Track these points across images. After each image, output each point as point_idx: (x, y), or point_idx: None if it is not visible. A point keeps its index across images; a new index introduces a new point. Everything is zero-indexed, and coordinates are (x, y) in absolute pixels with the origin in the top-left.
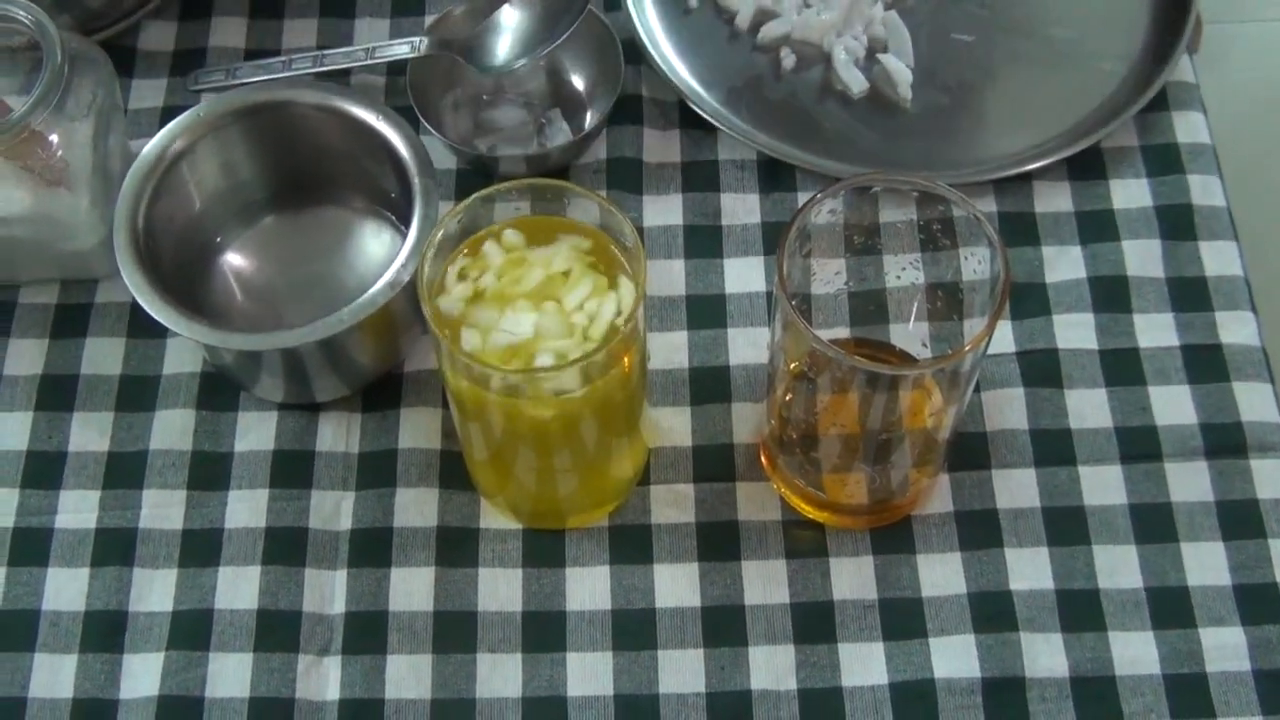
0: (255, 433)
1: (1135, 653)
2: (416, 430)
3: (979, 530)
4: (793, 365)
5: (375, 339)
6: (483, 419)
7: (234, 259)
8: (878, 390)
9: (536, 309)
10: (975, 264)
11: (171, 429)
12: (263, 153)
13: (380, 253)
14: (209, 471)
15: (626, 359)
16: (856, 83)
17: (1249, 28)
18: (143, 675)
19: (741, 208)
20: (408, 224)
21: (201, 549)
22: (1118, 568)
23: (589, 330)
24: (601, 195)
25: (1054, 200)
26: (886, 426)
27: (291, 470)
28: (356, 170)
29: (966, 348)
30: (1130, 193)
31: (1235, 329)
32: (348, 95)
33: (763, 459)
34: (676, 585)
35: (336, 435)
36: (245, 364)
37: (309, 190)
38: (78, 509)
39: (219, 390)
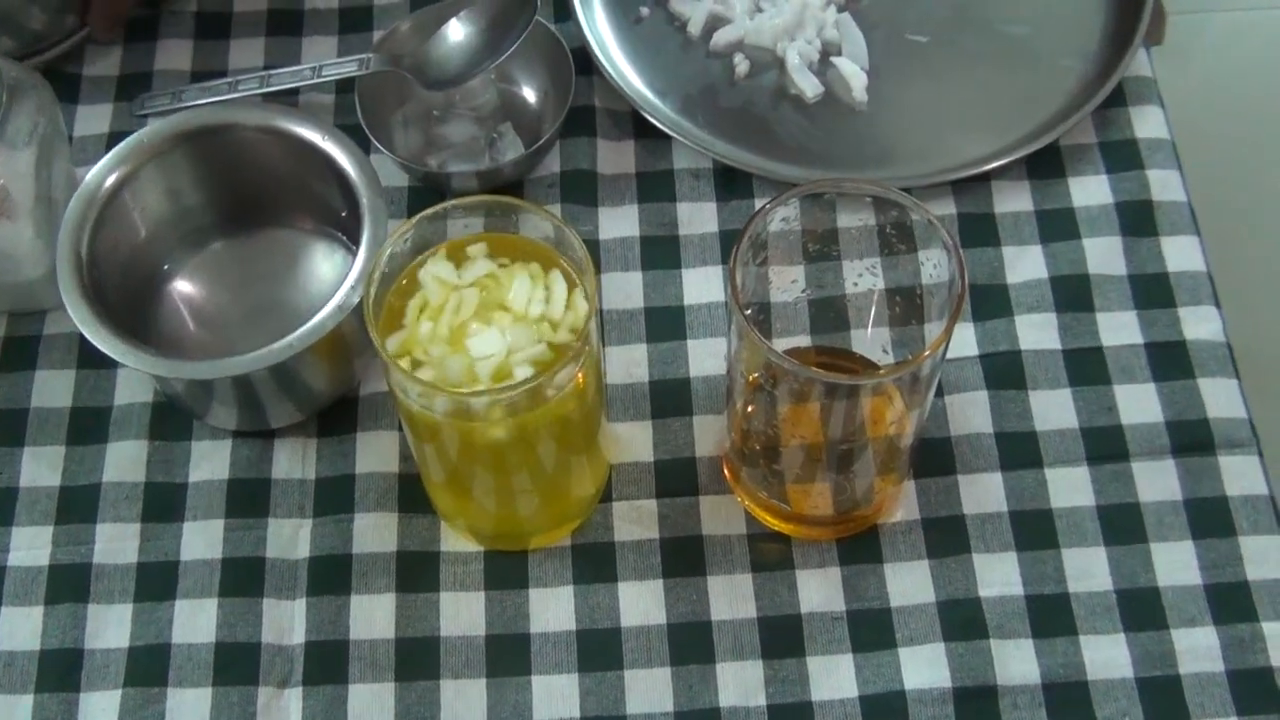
0: (209, 462)
1: (1107, 656)
2: (373, 454)
3: (946, 537)
4: (751, 376)
5: (327, 363)
6: (438, 442)
7: (183, 286)
8: (837, 399)
9: (493, 322)
10: (932, 267)
11: (124, 461)
12: (208, 177)
13: (332, 274)
14: (163, 503)
15: (582, 375)
16: (811, 87)
17: (1216, 18)
18: (100, 714)
19: (698, 217)
20: (357, 243)
21: (157, 582)
22: (1087, 571)
23: (551, 319)
24: (550, 211)
25: (1013, 200)
26: (848, 435)
27: (247, 499)
28: (304, 191)
29: (925, 353)
30: (1090, 190)
31: (1199, 325)
32: (292, 115)
33: (726, 472)
34: (642, 603)
35: (292, 462)
36: (197, 393)
37: (257, 213)
38: (30, 546)
39: (171, 420)
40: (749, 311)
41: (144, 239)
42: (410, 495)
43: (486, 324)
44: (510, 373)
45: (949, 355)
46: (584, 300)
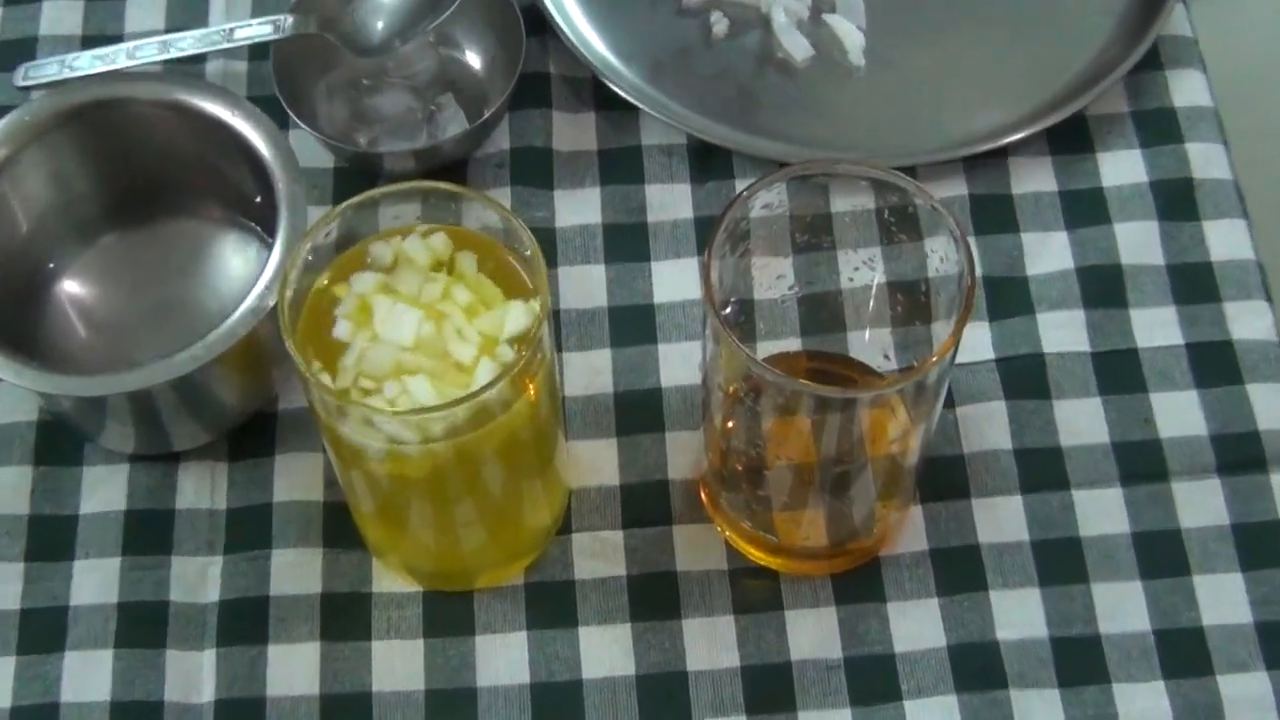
0: (103, 490)
1: (1144, 707)
2: (294, 480)
3: (958, 571)
4: (731, 388)
5: (240, 375)
6: (366, 467)
7: (72, 287)
8: (830, 413)
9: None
10: (939, 259)
11: (4, 490)
12: (99, 160)
13: (245, 271)
14: (50, 538)
15: (532, 387)
16: (800, 49)
17: None
18: None
19: (670, 201)
20: (274, 235)
21: (43, 631)
22: (1121, 608)
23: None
24: (496, 200)
25: (1034, 179)
26: (843, 454)
27: (147, 533)
28: (212, 175)
29: (932, 359)
30: (1121, 167)
31: (1248, 321)
32: (195, 87)
33: (703, 497)
34: (606, 651)
35: (199, 489)
36: (88, 411)
37: (157, 202)
38: None
39: (60, 442)
40: (727, 311)
41: (25, 233)
42: (337, 528)
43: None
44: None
45: (961, 360)
46: (528, 310)
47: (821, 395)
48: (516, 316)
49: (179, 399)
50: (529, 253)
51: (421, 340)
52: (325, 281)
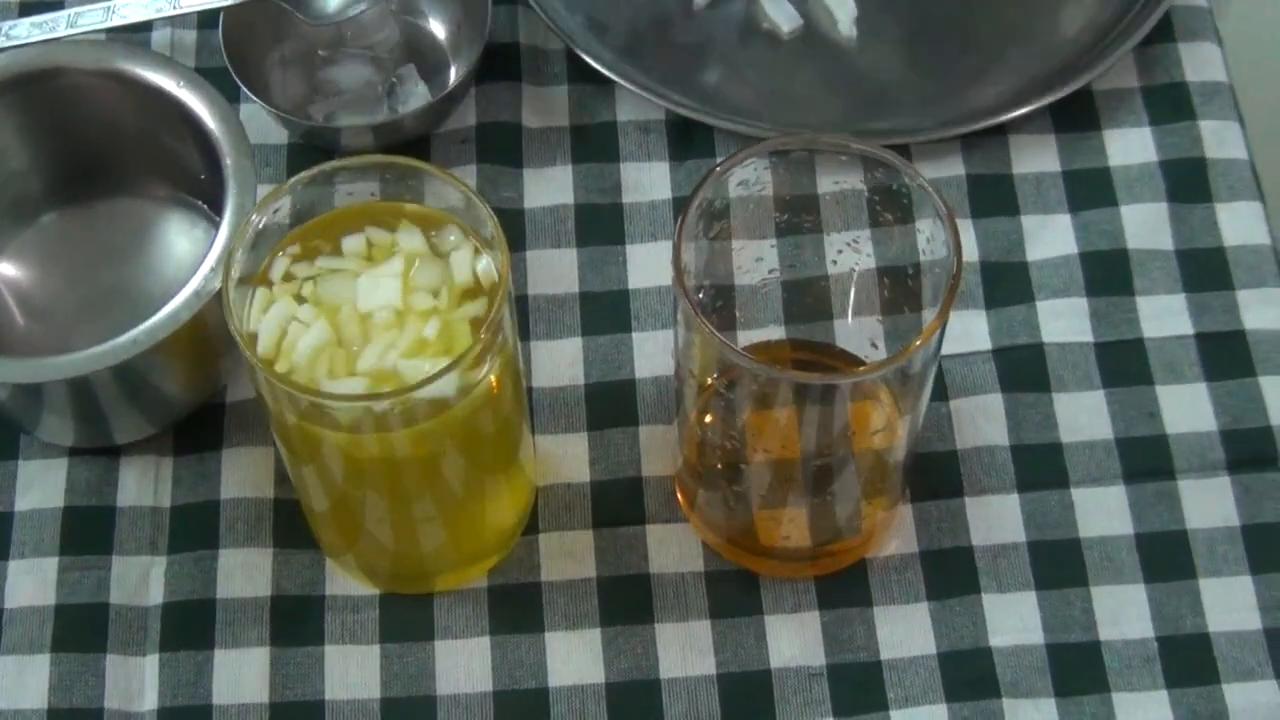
0: (40, 486)
1: (1146, 717)
2: (243, 475)
3: (950, 573)
4: (706, 378)
5: (184, 363)
6: (319, 462)
7: (7, 270)
8: (810, 403)
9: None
10: (926, 240)
11: None
12: (35, 135)
13: (192, 252)
14: None
15: (494, 378)
16: (787, 19)
17: None
18: None
19: (647, 180)
20: (222, 214)
21: None
22: (1122, 613)
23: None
24: (453, 175)
25: (1036, 158)
26: (825, 448)
27: (86, 531)
28: (155, 151)
29: (916, 343)
30: (1130, 145)
31: (1262, 311)
32: (137, 56)
33: (678, 495)
34: (574, 657)
35: (142, 485)
36: (23, 400)
37: (97, 179)
38: None
39: None
40: (702, 296)
41: None
42: (288, 526)
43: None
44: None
45: (956, 350)
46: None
47: (799, 383)
48: (461, 265)
49: (120, 388)
50: (489, 231)
51: (374, 320)
52: (277, 258)
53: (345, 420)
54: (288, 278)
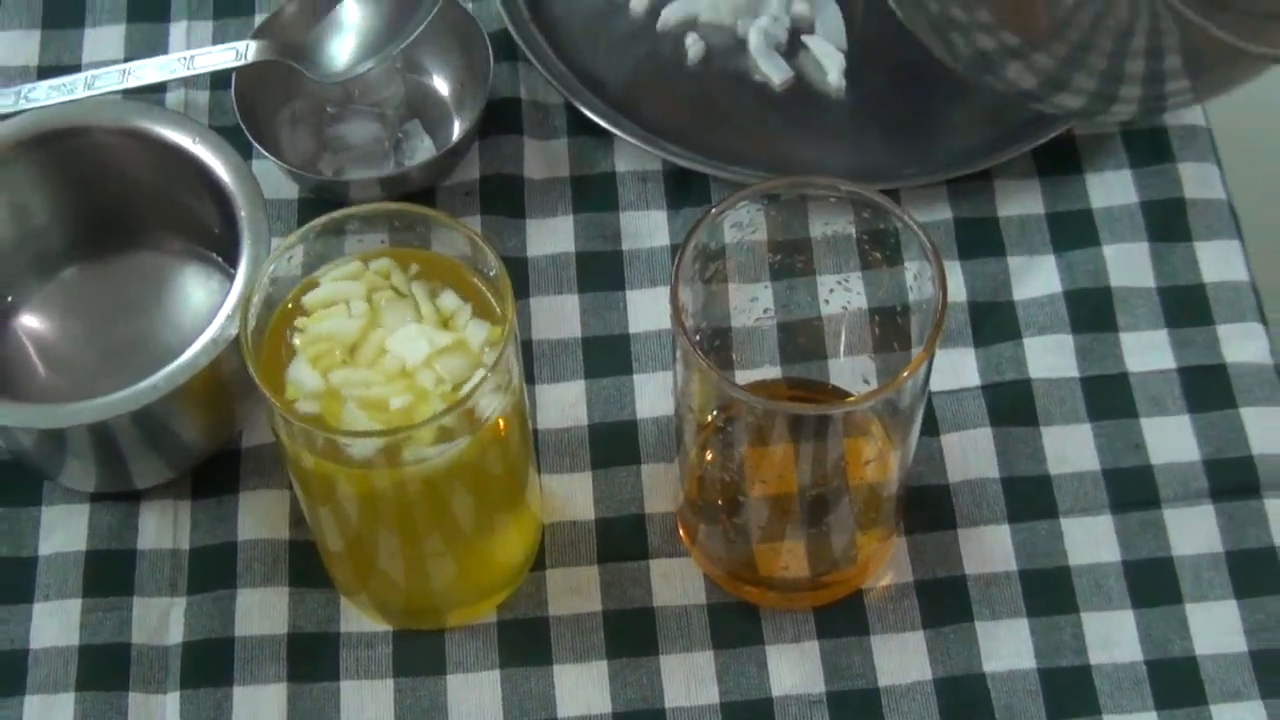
0: (63, 530)
1: None
2: (259, 518)
3: (944, 602)
4: (706, 416)
5: (202, 409)
6: (335, 502)
7: (30, 322)
8: (805, 438)
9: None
10: (914, 278)
11: None
12: (58, 191)
13: (207, 303)
14: (9, 580)
15: (502, 420)
16: (778, 72)
17: None
18: None
19: (646, 228)
20: (236, 265)
21: (3, 675)
22: (1112, 638)
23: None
24: (460, 222)
25: (1020, 201)
26: (820, 481)
27: (108, 574)
28: (172, 205)
29: (904, 374)
30: (1111, 188)
31: (1241, 345)
32: (155, 115)
33: (680, 531)
34: (582, 689)
35: (161, 529)
36: (47, 446)
37: (117, 234)
38: None
39: (17, 481)
40: (699, 337)
41: None
42: (304, 566)
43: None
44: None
45: (946, 386)
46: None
47: (794, 414)
48: (476, 335)
49: (140, 433)
50: (493, 272)
51: (387, 367)
52: (290, 306)
53: (360, 458)
54: (304, 325)
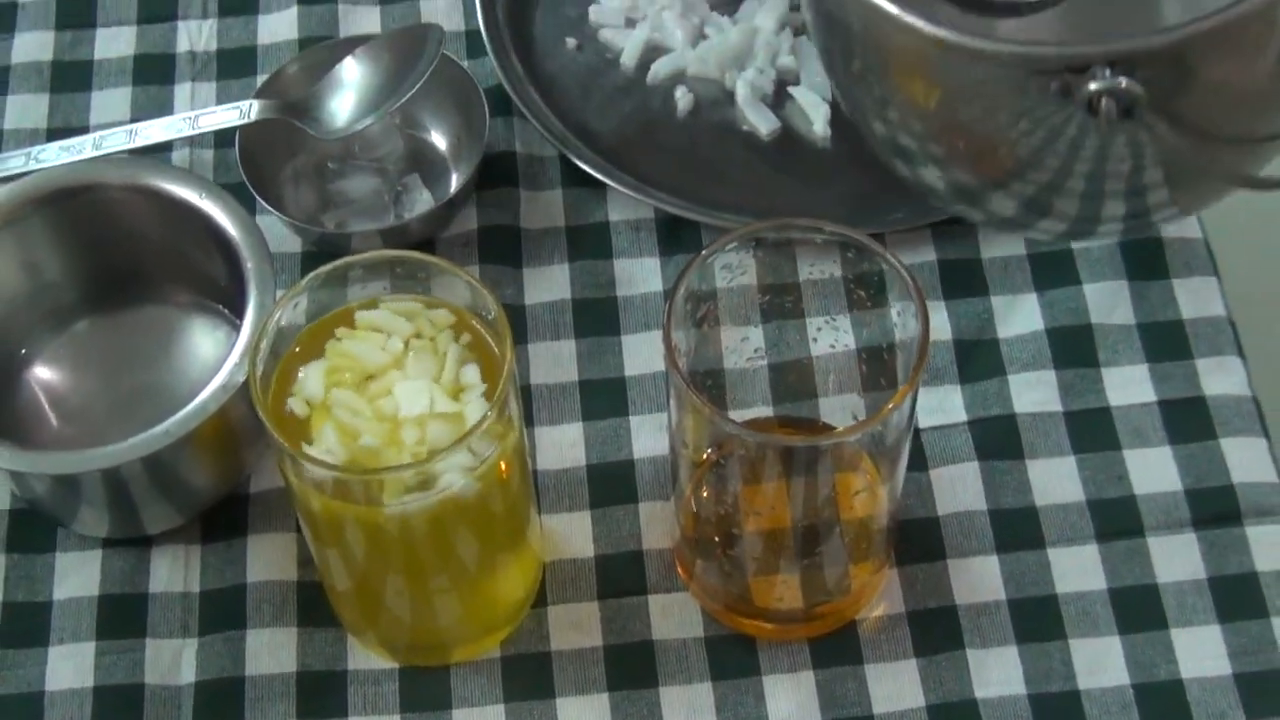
0: (77, 575)
1: None
2: (267, 560)
3: (936, 631)
4: (700, 455)
5: (211, 454)
6: (342, 543)
7: (43, 374)
8: (796, 473)
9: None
10: (899, 316)
11: None
12: (70, 247)
13: (214, 353)
14: (24, 625)
15: (504, 462)
16: (765, 122)
17: None
18: None
19: (639, 275)
20: (243, 316)
21: (21, 717)
22: (1100, 663)
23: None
24: (459, 267)
25: (1002, 243)
26: (812, 514)
27: (121, 617)
28: (179, 259)
29: (889, 405)
30: None
31: (1220, 377)
32: (163, 171)
33: (678, 566)
34: None
35: (173, 572)
36: (61, 493)
37: (126, 287)
38: None
39: (32, 528)
40: (692, 380)
41: None
42: (311, 606)
43: (387, 394)
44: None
45: (933, 422)
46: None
47: (785, 446)
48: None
49: (151, 479)
50: (493, 315)
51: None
52: (297, 349)
53: (366, 495)
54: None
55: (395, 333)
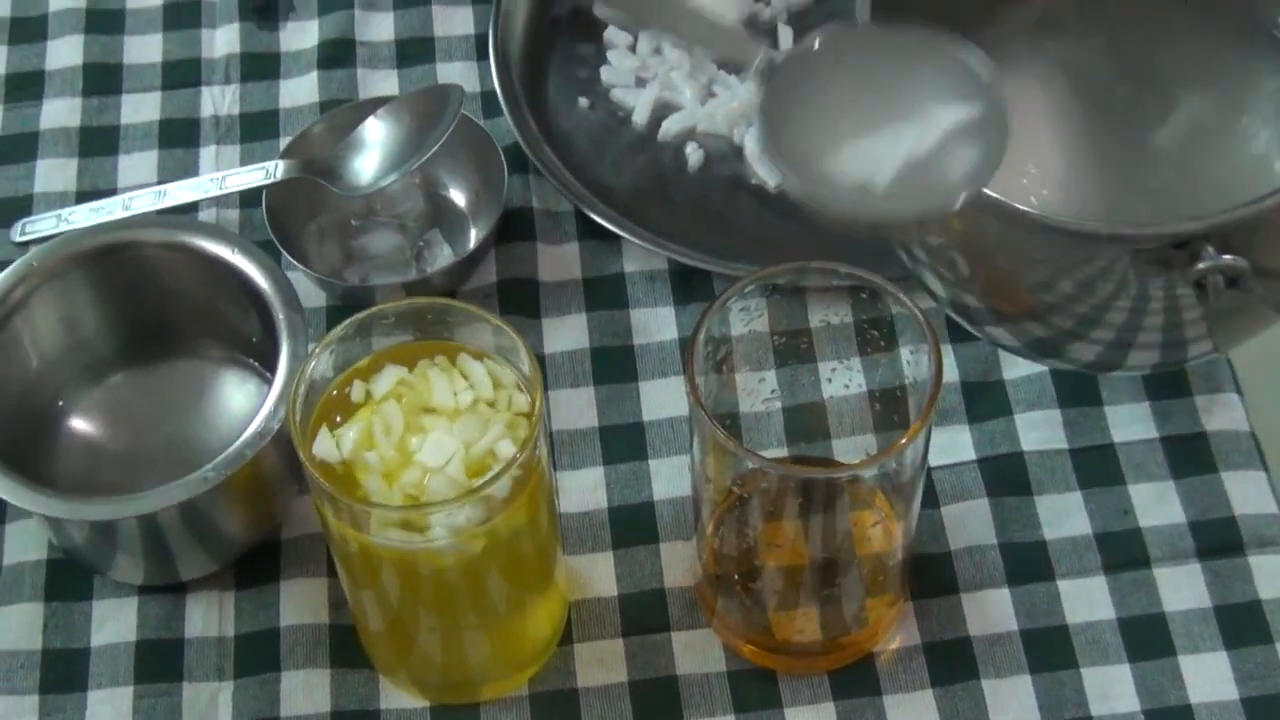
0: (114, 622)
1: None
2: (300, 604)
3: (951, 662)
4: (722, 496)
5: (246, 501)
6: (377, 584)
7: (80, 425)
8: (814, 512)
9: (430, 429)
10: (912, 358)
11: (18, 627)
12: (108, 302)
13: (246, 405)
14: (64, 671)
15: (533, 502)
16: (773, 175)
17: None
18: None
19: (655, 323)
20: (273, 370)
21: None
22: (1111, 690)
23: (485, 399)
24: (494, 316)
25: None
26: (830, 550)
27: (158, 662)
28: (213, 314)
29: (903, 440)
30: None
31: (1219, 414)
32: (198, 229)
33: (700, 603)
34: None
35: (208, 617)
36: (98, 541)
37: (161, 341)
38: None
39: (69, 577)
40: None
41: (36, 372)
42: (344, 648)
43: (423, 432)
44: (484, 465)
45: (943, 461)
46: (521, 393)
47: (802, 478)
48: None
49: (187, 526)
50: (525, 366)
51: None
52: (333, 393)
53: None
54: (349, 412)
55: (478, 389)
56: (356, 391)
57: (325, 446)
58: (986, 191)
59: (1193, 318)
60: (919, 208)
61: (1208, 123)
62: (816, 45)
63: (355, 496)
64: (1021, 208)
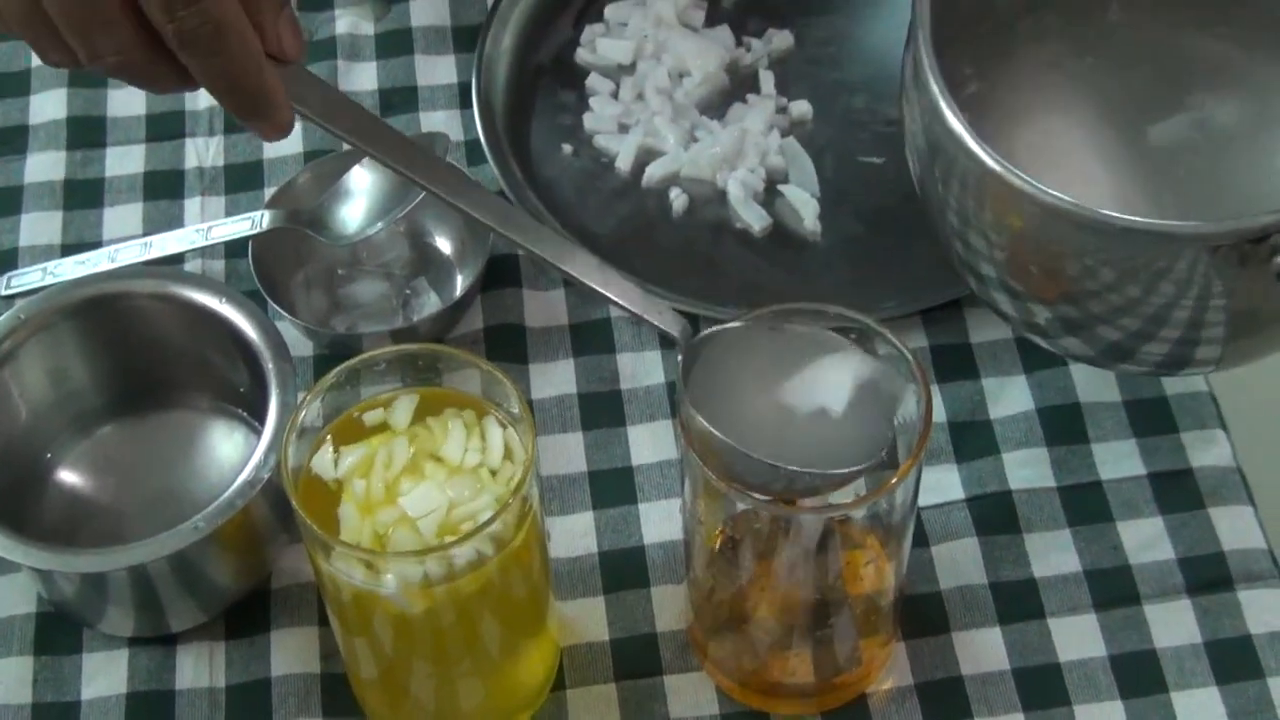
0: (104, 675)
1: None
2: (291, 654)
3: (944, 702)
4: (713, 540)
5: (236, 551)
6: (369, 630)
7: (69, 476)
8: (806, 551)
9: (427, 477)
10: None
11: (8, 681)
12: (96, 353)
13: (234, 456)
14: None
15: (524, 547)
16: (757, 219)
17: None
18: None
19: (642, 368)
20: (262, 419)
21: None
22: None
23: (491, 467)
24: (483, 360)
25: (991, 328)
26: (822, 592)
27: (149, 714)
28: (201, 365)
29: (893, 479)
30: None
31: (1205, 450)
32: (186, 280)
33: (692, 646)
34: None
35: (198, 669)
36: (88, 593)
37: (150, 392)
38: None
39: (58, 630)
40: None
41: (24, 425)
42: (336, 697)
43: (419, 478)
44: (458, 529)
45: (932, 501)
46: (520, 447)
47: (795, 516)
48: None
49: (177, 577)
50: (515, 409)
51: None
52: (324, 442)
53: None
54: (337, 461)
55: (488, 455)
56: (373, 417)
57: (324, 461)
58: (1058, 196)
59: (1269, 311)
60: (817, 483)
61: (1234, 130)
62: (730, 331)
63: (329, 531)
64: (1099, 211)
